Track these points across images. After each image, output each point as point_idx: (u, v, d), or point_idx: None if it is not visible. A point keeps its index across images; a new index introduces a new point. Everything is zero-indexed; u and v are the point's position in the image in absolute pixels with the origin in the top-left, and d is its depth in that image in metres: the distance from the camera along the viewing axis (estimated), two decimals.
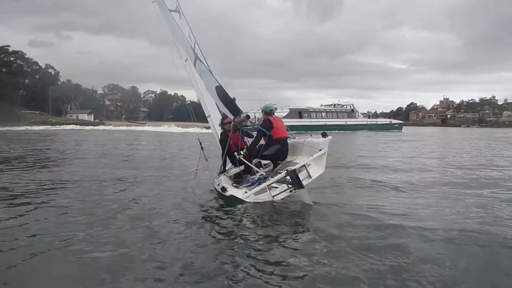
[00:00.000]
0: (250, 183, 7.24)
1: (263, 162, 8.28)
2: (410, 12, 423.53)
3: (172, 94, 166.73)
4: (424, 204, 7.08)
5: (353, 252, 4.34)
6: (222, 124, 8.55)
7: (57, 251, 4.42)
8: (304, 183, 6.49)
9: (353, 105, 70.85)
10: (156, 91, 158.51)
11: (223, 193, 7.20)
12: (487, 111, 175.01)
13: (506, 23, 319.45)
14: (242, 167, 8.01)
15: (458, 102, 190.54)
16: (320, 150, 7.17)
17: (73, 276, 3.85)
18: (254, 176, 7.42)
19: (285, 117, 50.23)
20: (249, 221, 5.82)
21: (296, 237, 5.04)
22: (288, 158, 7.83)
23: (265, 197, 6.59)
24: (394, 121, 75.67)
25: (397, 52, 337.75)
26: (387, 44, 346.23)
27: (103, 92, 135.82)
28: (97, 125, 75.44)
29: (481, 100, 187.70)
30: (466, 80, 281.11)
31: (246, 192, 6.77)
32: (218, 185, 7.68)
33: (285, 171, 6.44)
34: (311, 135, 7.94)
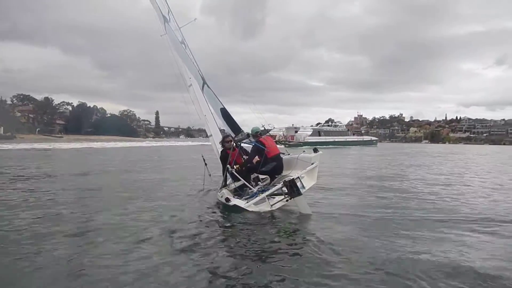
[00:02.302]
0: (249, 196, 7.89)
1: (261, 176, 9.13)
2: (327, 33, 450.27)
3: (91, 106, 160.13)
4: None
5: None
6: (223, 142, 9.14)
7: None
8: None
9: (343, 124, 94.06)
10: (72, 103, 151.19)
11: (227, 203, 7.75)
12: (396, 127, 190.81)
13: (410, 46, 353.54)
14: (240, 182, 8.47)
15: (370, 119, 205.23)
16: (312, 164, 8.09)
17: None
18: (252, 190, 8.17)
19: (310, 135, 69.32)
20: (250, 227, 6.40)
21: (288, 242, 5.60)
22: (284, 173, 8.59)
23: (264, 206, 7.34)
24: (373, 138, 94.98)
25: (315, 70, 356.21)
26: (307, 62, 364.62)
27: (11, 103, 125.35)
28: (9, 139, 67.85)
29: (391, 117, 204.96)
30: (377, 99, 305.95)
31: (247, 202, 7.47)
32: (222, 197, 8.16)
33: (282, 182, 7.24)
34: (304, 151, 8.81)
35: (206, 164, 9.72)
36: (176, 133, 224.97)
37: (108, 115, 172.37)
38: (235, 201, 7.69)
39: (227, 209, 7.63)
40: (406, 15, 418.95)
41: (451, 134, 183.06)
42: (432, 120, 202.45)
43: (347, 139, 79.75)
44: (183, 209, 7.96)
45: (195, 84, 9.59)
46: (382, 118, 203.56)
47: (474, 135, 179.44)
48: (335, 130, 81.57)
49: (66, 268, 4.34)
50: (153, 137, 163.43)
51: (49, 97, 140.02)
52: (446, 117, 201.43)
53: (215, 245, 5.35)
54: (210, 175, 9.69)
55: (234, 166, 8.56)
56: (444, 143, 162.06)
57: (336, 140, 74.28)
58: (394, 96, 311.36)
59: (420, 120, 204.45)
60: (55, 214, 7.17)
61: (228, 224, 6.68)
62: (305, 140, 66.55)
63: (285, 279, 4.09)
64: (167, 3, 10.02)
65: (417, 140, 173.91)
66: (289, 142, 62.49)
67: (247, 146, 9.40)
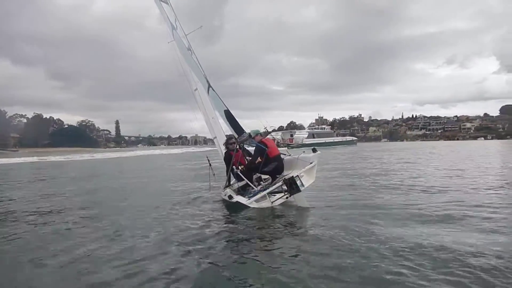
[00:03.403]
0: (252, 194, 8.20)
1: (263, 176, 9.47)
2: (285, 38, 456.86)
3: (48, 117, 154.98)
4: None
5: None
6: (227, 144, 9.47)
7: None
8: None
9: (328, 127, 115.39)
10: (26, 115, 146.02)
11: (229, 200, 8.18)
12: (356, 127, 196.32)
13: (365, 49, 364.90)
14: (243, 182, 8.91)
15: (331, 120, 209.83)
16: (311, 163, 8.48)
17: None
18: (254, 189, 8.53)
19: (307, 137, 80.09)
20: (251, 223, 6.83)
21: (287, 235, 5.95)
22: (285, 172, 8.87)
23: (265, 203, 7.77)
24: (354, 138, 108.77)
25: (275, 75, 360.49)
26: (267, 67, 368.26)
27: None
28: None
29: (351, 117, 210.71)
30: (336, 100, 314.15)
31: (249, 199, 7.88)
32: (225, 195, 8.60)
33: (282, 180, 7.74)
34: (303, 152, 9.09)
35: (210, 165, 10.04)
36: (136, 141, 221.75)
37: (66, 126, 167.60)
38: (237, 198, 8.09)
39: (231, 206, 8.09)
40: (361, 19, 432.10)
41: (408, 132, 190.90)
42: (390, 119, 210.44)
43: (335, 140, 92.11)
44: (190, 208, 8.58)
45: (200, 88, 9.89)
46: (342, 119, 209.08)
47: (429, 132, 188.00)
48: (324, 132, 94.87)
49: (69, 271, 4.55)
50: (113, 147, 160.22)
51: (2, 109, 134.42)
52: (402, 116, 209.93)
53: (217, 240, 5.74)
54: (214, 174, 10.03)
55: (239, 167, 8.96)
56: (402, 140, 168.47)
57: (327, 141, 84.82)
58: (353, 97, 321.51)
59: (379, 119, 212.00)
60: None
61: (230, 220, 7.20)
62: (303, 142, 75.09)
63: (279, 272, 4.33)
64: (173, 12, 10.27)
65: (377, 139, 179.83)
66: (290, 144, 71.01)
67: (250, 148, 9.83)
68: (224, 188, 9.08)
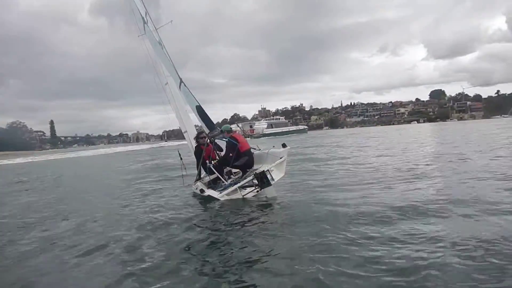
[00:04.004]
0: (222, 188, 8.45)
1: (233, 170, 9.67)
2: (223, 30, 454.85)
3: None
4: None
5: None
6: (197, 138, 9.74)
7: None
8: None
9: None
10: None
11: (201, 194, 8.43)
12: (298, 117, 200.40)
13: (303, 39, 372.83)
14: (214, 175, 9.20)
15: (274, 111, 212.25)
16: (281, 158, 8.59)
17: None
18: (225, 183, 8.77)
19: (266, 128, 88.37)
20: (223, 214, 7.06)
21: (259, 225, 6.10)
22: (255, 166, 9.10)
23: (236, 196, 7.97)
24: (305, 127, 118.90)
25: (215, 67, 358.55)
26: (206, 60, 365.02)
27: None
28: None
29: (293, 107, 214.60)
30: (278, 91, 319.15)
31: (220, 193, 8.06)
32: (196, 188, 8.92)
33: (253, 174, 7.95)
34: (273, 146, 9.35)
35: (181, 159, 10.29)
36: (74, 142, 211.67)
37: None
38: (209, 192, 8.28)
39: (203, 200, 8.34)
40: (298, 10, 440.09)
41: (348, 119, 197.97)
42: (330, 107, 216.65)
43: (290, 129, 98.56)
44: (165, 202, 8.73)
45: (171, 82, 9.71)
46: (284, 109, 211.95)
47: (367, 118, 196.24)
48: (280, 122, 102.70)
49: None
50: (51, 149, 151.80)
51: None
52: (341, 104, 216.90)
53: (191, 235, 5.82)
54: (185, 168, 10.26)
55: (212, 161, 9.22)
56: (342, 127, 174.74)
57: (283, 130, 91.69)
58: (294, 88, 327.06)
59: (319, 108, 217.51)
60: None
61: (202, 213, 7.46)
62: (264, 132, 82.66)
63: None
64: (144, 6, 9.98)
65: (319, 127, 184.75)
66: (251, 134, 75.54)
67: (220, 142, 9.89)
68: (195, 181, 9.38)
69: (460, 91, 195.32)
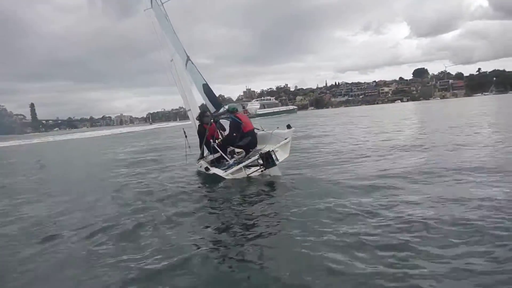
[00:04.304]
0: (226, 166, 8.45)
1: (236, 150, 9.61)
2: (208, 10, 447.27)
3: None
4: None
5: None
6: (201, 117, 9.66)
7: None
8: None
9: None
10: None
11: (206, 172, 8.46)
12: (284, 97, 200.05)
13: (287, 19, 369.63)
14: (217, 154, 9.15)
15: (259, 92, 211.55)
16: (285, 139, 8.70)
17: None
18: (229, 162, 8.73)
19: (259, 108, 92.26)
20: (229, 194, 7.06)
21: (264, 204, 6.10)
22: (258, 147, 9.12)
23: (240, 175, 8.00)
24: (294, 107, 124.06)
25: (200, 48, 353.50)
26: (190, 40, 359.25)
27: None
28: None
29: (278, 88, 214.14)
30: (263, 71, 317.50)
31: (225, 171, 8.07)
32: (201, 166, 9.02)
33: (258, 154, 7.96)
34: (277, 128, 9.34)
35: (186, 137, 10.32)
36: (55, 125, 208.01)
37: None
38: (214, 170, 8.28)
39: (208, 177, 8.53)
40: None
41: (333, 99, 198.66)
42: (315, 87, 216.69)
43: (280, 109, 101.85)
44: (171, 179, 9.09)
45: (177, 59, 9.60)
46: (270, 89, 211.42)
47: (352, 97, 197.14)
48: (271, 102, 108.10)
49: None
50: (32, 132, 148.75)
51: None
52: (326, 84, 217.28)
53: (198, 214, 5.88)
54: (189, 147, 10.22)
55: (216, 140, 9.19)
56: (328, 107, 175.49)
57: (274, 110, 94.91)
58: (278, 68, 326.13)
59: (304, 88, 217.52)
60: None
61: (208, 192, 7.53)
62: (257, 112, 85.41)
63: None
64: None
65: (304, 107, 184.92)
66: (246, 115, 75.62)
67: (223, 121, 9.90)
68: (198, 160, 9.51)
69: (443, 69, 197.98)
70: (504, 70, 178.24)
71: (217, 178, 7.97)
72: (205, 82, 9.58)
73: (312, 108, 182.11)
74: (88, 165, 15.54)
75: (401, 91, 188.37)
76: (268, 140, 9.17)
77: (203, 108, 10.10)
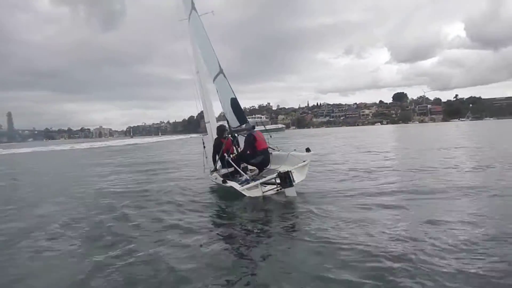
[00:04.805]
0: (243, 181, 8.40)
1: (249, 167, 9.69)
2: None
3: None
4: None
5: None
6: (219, 131, 9.84)
7: None
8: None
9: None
10: None
11: (223, 184, 8.36)
12: (266, 116, 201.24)
13: (270, 39, 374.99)
14: (231, 169, 9.15)
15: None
16: (304, 161, 8.74)
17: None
18: (245, 176, 8.72)
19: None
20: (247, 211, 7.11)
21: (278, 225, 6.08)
22: (272, 166, 9.31)
23: (256, 192, 7.97)
24: (283, 126, 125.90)
25: (181, 63, 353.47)
26: (172, 56, 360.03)
27: None
28: None
29: (260, 106, 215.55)
30: (245, 90, 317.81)
31: (242, 185, 8.01)
32: (216, 179, 9.09)
33: (277, 173, 7.95)
34: (295, 150, 9.60)
35: (204, 147, 10.26)
36: (31, 135, 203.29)
37: None
38: (231, 183, 8.19)
39: (221, 190, 8.82)
40: (264, 9, 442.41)
41: (314, 119, 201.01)
42: (296, 107, 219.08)
43: (271, 127, 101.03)
44: (188, 190, 9.60)
45: (202, 72, 10.02)
46: (252, 107, 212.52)
47: (333, 118, 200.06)
48: (261, 121, 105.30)
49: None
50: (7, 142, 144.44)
51: None
52: (308, 104, 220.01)
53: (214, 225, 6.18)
54: (207, 157, 10.21)
55: (231, 155, 9.30)
56: (309, 127, 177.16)
57: (266, 128, 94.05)
58: (260, 86, 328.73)
59: (287, 108, 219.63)
60: None
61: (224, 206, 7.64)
62: None
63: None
64: None
65: (286, 126, 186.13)
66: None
67: (240, 137, 10.00)
68: (211, 172, 9.63)
69: (422, 94, 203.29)
70: (480, 97, 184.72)
71: (232, 193, 8.01)
72: (234, 96, 9.50)
73: (294, 127, 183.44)
74: None
75: (381, 114, 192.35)
76: (283, 161, 9.30)
77: (221, 124, 10.24)
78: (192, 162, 16.52)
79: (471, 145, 20.64)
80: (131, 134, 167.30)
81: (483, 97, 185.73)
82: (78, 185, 11.49)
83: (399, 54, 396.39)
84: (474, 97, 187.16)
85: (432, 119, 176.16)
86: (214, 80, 9.59)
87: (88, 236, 5.73)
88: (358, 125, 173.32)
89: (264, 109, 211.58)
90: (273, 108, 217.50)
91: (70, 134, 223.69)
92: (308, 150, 9.02)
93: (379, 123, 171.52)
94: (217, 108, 10.80)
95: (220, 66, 9.44)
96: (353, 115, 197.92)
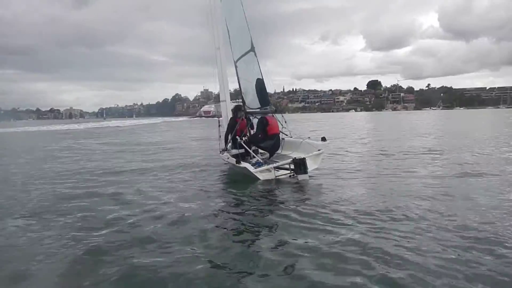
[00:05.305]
0: (257, 164, 8.42)
1: (260, 150, 9.59)
2: (165, 6, 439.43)
3: None
4: None
5: None
6: (235, 110, 9.83)
7: None
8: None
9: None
10: None
11: (236, 164, 8.25)
12: (235, 100, 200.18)
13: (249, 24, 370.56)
14: (242, 150, 9.11)
15: (216, 93, 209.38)
16: (319, 150, 8.74)
17: None
18: (257, 159, 8.83)
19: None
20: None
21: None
22: (284, 152, 9.38)
23: (269, 175, 8.12)
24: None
25: (157, 44, 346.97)
26: (147, 36, 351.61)
27: None
28: None
29: (235, 90, 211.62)
30: None
31: (255, 168, 8.06)
32: (228, 158, 8.97)
33: (292, 159, 8.07)
34: (309, 137, 9.53)
35: (220, 126, 10.33)
36: None
37: None
38: (245, 164, 8.15)
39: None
40: None
41: (290, 105, 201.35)
42: (272, 92, 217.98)
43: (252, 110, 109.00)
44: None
45: (223, 49, 9.96)
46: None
47: (308, 104, 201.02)
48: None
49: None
50: None
51: None
52: (283, 89, 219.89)
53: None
54: (220, 136, 10.22)
55: (243, 137, 9.27)
56: (284, 113, 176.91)
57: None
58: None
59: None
60: None
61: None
62: None
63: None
64: None
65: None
66: None
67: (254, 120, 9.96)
68: (221, 151, 9.69)
69: (395, 82, 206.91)
70: (451, 87, 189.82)
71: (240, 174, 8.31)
72: (261, 77, 9.28)
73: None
74: None
75: (356, 101, 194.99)
76: (296, 148, 9.32)
77: (238, 103, 10.26)
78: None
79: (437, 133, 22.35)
80: (104, 116, 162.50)
81: (454, 87, 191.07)
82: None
83: (374, 42, 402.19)
84: (446, 86, 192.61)
85: (404, 107, 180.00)
86: (240, 58, 9.40)
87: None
88: (333, 111, 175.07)
89: (240, 93, 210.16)
90: None
91: (39, 114, 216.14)
92: (324, 139, 9.03)
93: (354, 110, 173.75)
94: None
95: (252, 43, 9.27)
96: (328, 102, 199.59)
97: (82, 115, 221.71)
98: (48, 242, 4.64)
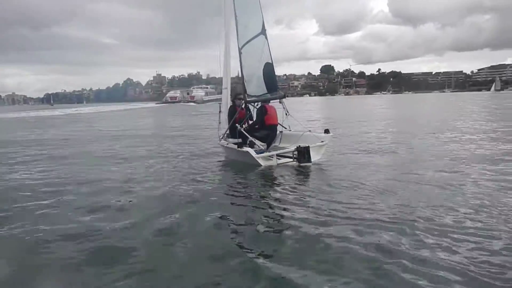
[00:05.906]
0: (259, 150, 8.43)
1: (257, 141, 9.31)
2: None
3: None
4: None
5: None
6: (235, 98, 9.67)
7: None
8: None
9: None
10: None
11: (238, 149, 8.27)
12: (195, 86, 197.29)
13: (201, 6, 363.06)
14: (240, 140, 8.94)
15: (170, 78, 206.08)
16: (322, 141, 8.75)
17: None
18: (259, 146, 8.78)
19: (204, 95, 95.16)
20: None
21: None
22: (282, 145, 9.25)
23: (270, 162, 8.17)
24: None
25: (105, 26, 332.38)
26: (95, 17, 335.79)
27: None
28: None
29: (189, 75, 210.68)
30: (174, 57, 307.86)
31: (257, 153, 8.05)
32: (228, 144, 9.05)
33: (295, 147, 8.08)
34: (309, 130, 9.29)
35: (220, 112, 10.21)
36: None
37: None
38: (247, 149, 8.17)
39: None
40: None
41: None
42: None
43: (218, 97, 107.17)
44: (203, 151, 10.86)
45: (229, 32, 9.48)
46: (181, 76, 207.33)
47: None
48: (210, 90, 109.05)
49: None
50: None
51: None
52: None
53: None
54: (220, 122, 10.21)
55: (243, 125, 9.11)
56: None
57: (216, 98, 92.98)
58: (190, 54, 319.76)
59: (217, 77, 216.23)
60: None
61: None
62: (203, 99, 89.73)
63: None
64: None
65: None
66: (191, 101, 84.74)
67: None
68: (221, 138, 9.64)
69: (347, 67, 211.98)
70: (400, 72, 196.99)
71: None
72: (270, 62, 8.98)
73: None
74: None
75: (310, 85, 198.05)
76: (297, 140, 9.05)
77: (239, 90, 10.05)
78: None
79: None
80: (51, 101, 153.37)
81: (403, 71, 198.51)
82: None
83: (327, 27, 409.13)
84: (395, 71, 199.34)
85: (356, 92, 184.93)
86: (246, 43, 8.97)
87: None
88: (287, 96, 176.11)
89: (194, 78, 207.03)
90: (203, 78, 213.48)
91: None
92: (327, 131, 9.03)
93: (307, 95, 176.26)
94: None
95: (264, 26, 8.85)
96: (283, 86, 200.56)
97: (26, 101, 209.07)
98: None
